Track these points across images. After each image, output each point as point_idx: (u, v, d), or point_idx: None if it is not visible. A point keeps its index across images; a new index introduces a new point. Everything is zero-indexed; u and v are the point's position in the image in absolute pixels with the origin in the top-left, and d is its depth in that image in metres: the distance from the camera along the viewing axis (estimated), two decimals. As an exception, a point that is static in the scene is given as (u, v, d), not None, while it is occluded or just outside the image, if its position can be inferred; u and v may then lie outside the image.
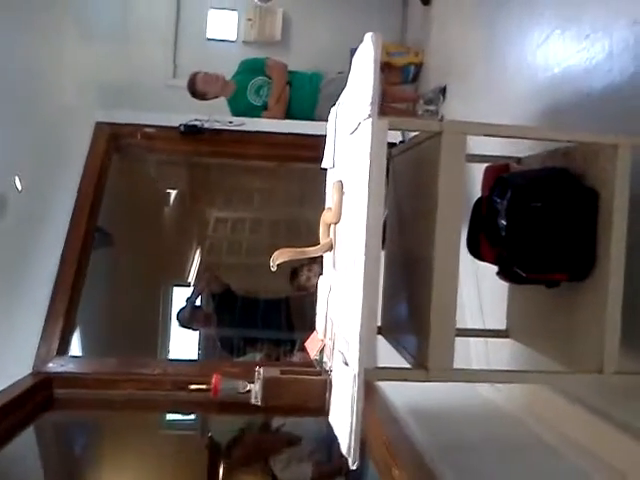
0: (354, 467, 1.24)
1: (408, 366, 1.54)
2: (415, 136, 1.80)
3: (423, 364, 1.45)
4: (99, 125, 3.33)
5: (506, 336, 2.00)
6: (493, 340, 2.29)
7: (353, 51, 1.53)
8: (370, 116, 1.26)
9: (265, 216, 5.75)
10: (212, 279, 4.50)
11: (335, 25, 4.91)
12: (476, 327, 2.45)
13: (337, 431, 1.36)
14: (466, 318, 2.63)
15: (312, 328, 1.98)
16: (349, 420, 1.25)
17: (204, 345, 4.64)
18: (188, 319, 4.33)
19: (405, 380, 1.44)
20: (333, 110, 1.89)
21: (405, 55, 4.49)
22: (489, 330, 2.12)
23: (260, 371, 1.62)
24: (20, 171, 2.80)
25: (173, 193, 5.54)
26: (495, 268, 1.81)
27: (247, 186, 5.39)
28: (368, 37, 1.26)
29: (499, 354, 2.36)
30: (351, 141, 1.50)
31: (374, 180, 1.27)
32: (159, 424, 3.19)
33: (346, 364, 1.35)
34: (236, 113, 3.85)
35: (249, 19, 5.10)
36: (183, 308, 4.40)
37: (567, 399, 1.97)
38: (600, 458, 1.75)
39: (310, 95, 3.88)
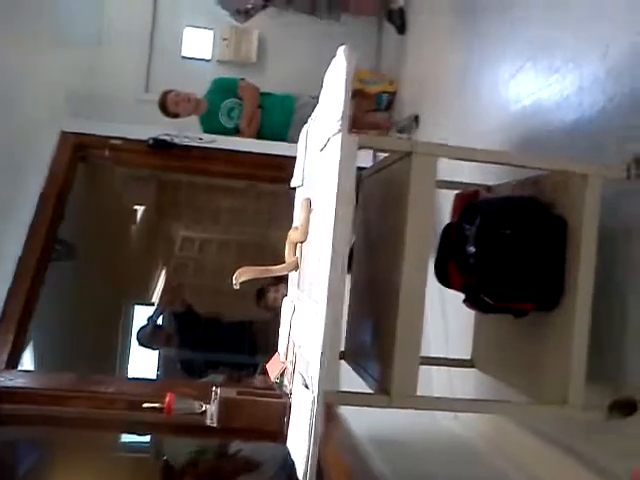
0: (309, 495, 1.19)
1: (371, 392, 1.50)
2: (385, 158, 1.79)
3: (386, 390, 1.41)
4: (65, 134, 3.25)
5: (471, 366, 1.97)
6: (457, 370, 2.26)
7: None
8: (340, 131, 1.23)
9: (232, 237, 5.69)
10: (175, 297, 4.41)
11: (311, 50, 4.91)
12: (440, 356, 2.43)
13: (294, 456, 1.31)
14: (430, 346, 2.60)
15: (275, 352, 1.93)
16: (306, 444, 1.20)
17: (164, 366, 4.53)
18: (149, 338, 4.23)
19: (367, 405, 1.39)
20: (304, 128, 1.87)
21: (379, 83, 4.51)
22: (454, 359, 2.09)
23: (217, 391, 1.57)
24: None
25: (140, 208, 5.46)
26: (462, 296, 1.79)
27: (215, 205, 5.34)
28: (341, 51, 1.24)
29: (462, 384, 2.34)
30: (320, 158, 1.47)
31: (342, 197, 1.24)
32: (112, 444, 3.09)
33: (306, 386, 1.31)
34: (207, 132, 3.82)
35: (225, 39, 5.09)
36: (144, 327, 4.29)
37: (529, 431, 1.95)
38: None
39: (282, 118, 3.86)
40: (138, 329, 4.31)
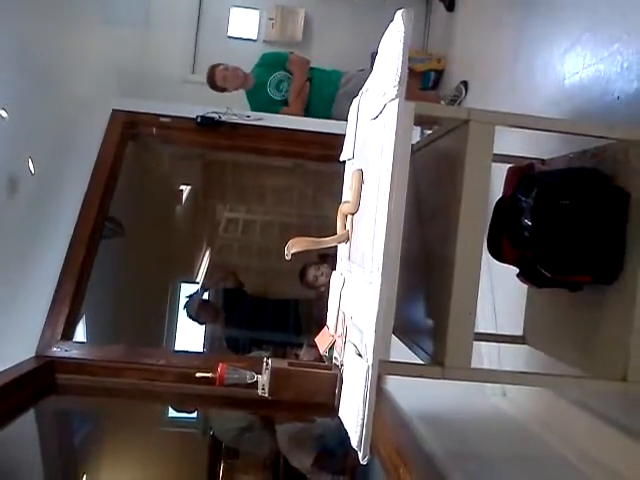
0: (364, 462, 1.18)
1: (423, 363, 1.49)
2: (435, 130, 1.76)
3: (439, 361, 1.39)
4: (115, 112, 3.30)
5: (523, 342, 1.94)
6: (506, 347, 2.23)
7: (374, 54, 1.48)
8: (397, 96, 1.21)
9: (277, 218, 5.71)
10: (229, 274, 4.44)
11: (356, 28, 4.89)
12: (488, 332, 2.39)
13: (347, 425, 1.30)
14: (478, 322, 2.57)
15: (321, 329, 1.93)
16: (361, 413, 1.19)
17: (209, 342, 4.59)
18: (196, 311, 4.28)
19: (420, 376, 1.38)
20: (355, 101, 1.84)
21: (426, 61, 4.45)
22: (505, 335, 2.05)
23: (268, 362, 1.57)
24: (34, 154, 2.78)
25: (186, 187, 5.52)
26: (511, 271, 1.76)
27: (260, 185, 5.35)
28: (399, 14, 1.21)
29: (512, 361, 2.30)
30: (374, 127, 1.44)
31: (398, 165, 1.22)
32: (160, 418, 3.15)
33: (359, 355, 1.30)
34: (255, 107, 3.84)
35: (270, 19, 5.10)
36: (191, 297, 4.34)
37: (581, 408, 1.91)
38: (616, 471, 1.69)
39: (330, 92, 3.85)
40: (185, 300, 4.37)
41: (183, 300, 4.63)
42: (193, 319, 4.33)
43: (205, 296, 4.41)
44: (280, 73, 3.90)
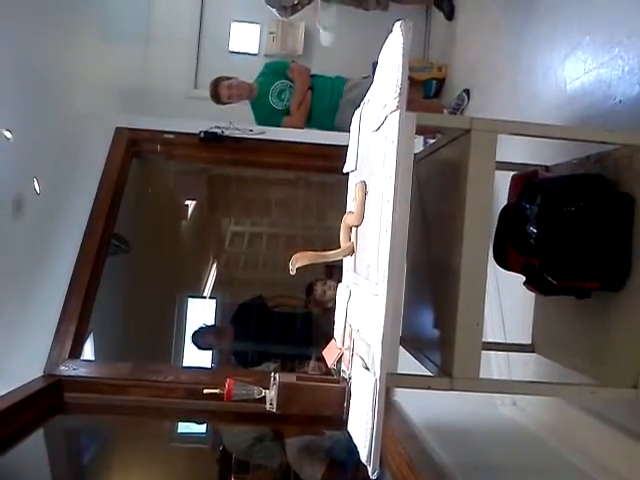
0: (374, 477, 1.17)
1: (431, 374, 1.48)
2: (438, 140, 1.75)
3: (447, 372, 1.38)
4: (119, 130, 3.31)
5: (532, 351, 1.93)
6: (515, 355, 2.21)
7: (375, 65, 1.49)
8: (398, 108, 1.20)
9: (282, 230, 5.71)
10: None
11: (357, 41, 4.90)
12: (496, 341, 2.38)
13: (356, 439, 1.29)
14: (486, 331, 2.56)
15: (331, 339, 1.92)
16: (369, 427, 1.18)
17: (217, 357, 4.57)
18: (203, 340, 4.23)
19: (428, 388, 1.37)
20: (357, 112, 1.84)
21: (428, 70, 4.46)
22: (513, 344, 2.04)
23: (276, 377, 1.57)
24: (39, 173, 2.79)
25: (191, 202, 5.53)
26: (519, 279, 1.75)
27: (265, 198, 5.36)
28: (397, 25, 1.21)
29: (522, 370, 2.29)
30: (375, 138, 1.44)
31: (401, 175, 1.22)
32: (169, 435, 3.13)
33: (367, 369, 1.29)
34: (259, 117, 3.85)
35: (271, 32, 5.13)
36: (197, 332, 4.30)
37: (592, 417, 1.89)
38: (629, 480, 1.67)
39: (332, 100, 3.83)
40: (192, 334, 4.31)
41: (191, 315, 4.58)
42: (202, 348, 4.27)
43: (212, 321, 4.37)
44: (281, 82, 3.89)
